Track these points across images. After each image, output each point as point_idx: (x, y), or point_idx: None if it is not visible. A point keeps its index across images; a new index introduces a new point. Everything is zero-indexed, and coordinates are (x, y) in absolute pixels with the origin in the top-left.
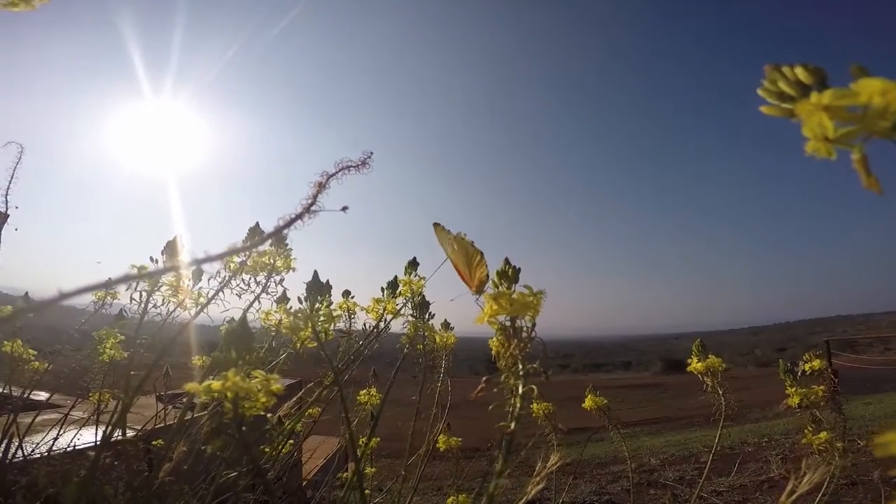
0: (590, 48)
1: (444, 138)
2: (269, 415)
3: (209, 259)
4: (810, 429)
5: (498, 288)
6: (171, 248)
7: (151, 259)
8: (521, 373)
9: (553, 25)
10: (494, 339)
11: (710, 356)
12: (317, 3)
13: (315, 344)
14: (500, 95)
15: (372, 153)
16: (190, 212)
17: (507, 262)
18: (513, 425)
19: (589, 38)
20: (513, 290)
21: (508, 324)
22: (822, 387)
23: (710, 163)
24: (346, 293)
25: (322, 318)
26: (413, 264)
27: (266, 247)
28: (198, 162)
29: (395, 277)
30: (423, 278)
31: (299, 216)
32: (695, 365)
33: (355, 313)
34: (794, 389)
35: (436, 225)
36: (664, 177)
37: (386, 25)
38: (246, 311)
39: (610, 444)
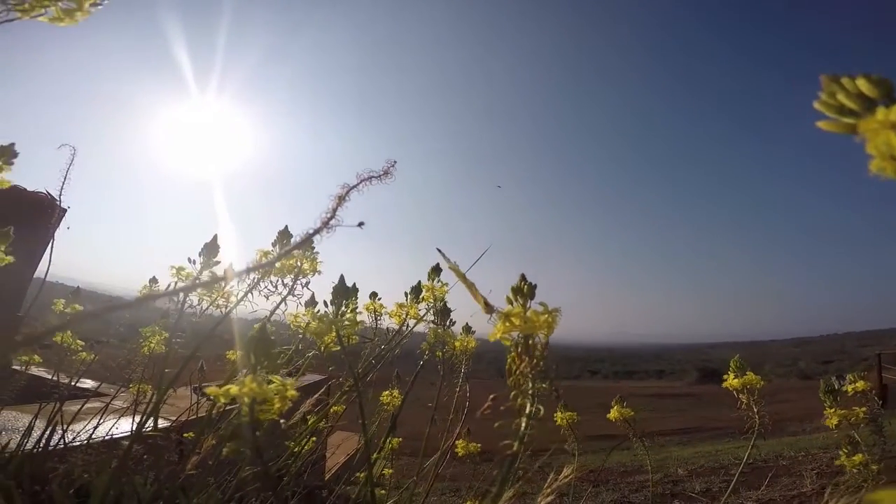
0: (624, 48)
1: (475, 137)
2: (282, 421)
3: (244, 272)
4: (845, 450)
5: (512, 304)
6: (209, 249)
7: (190, 260)
8: (529, 392)
9: (582, 25)
10: (508, 355)
11: (748, 373)
12: (355, 5)
13: (339, 348)
14: (530, 98)
15: (395, 162)
16: (234, 208)
17: (522, 278)
18: (516, 446)
19: (620, 40)
20: (528, 306)
21: (521, 341)
22: (863, 408)
23: (754, 167)
24: (374, 295)
25: (346, 324)
26: (436, 270)
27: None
28: (242, 159)
29: (419, 283)
30: (446, 284)
31: (317, 231)
32: (731, 381)
33: (382, 315)
34: (832, 410)
35: (438, 251)
36: (707, 182)
37: (426, 27)
38: (270, 315)
39: (636, 453)
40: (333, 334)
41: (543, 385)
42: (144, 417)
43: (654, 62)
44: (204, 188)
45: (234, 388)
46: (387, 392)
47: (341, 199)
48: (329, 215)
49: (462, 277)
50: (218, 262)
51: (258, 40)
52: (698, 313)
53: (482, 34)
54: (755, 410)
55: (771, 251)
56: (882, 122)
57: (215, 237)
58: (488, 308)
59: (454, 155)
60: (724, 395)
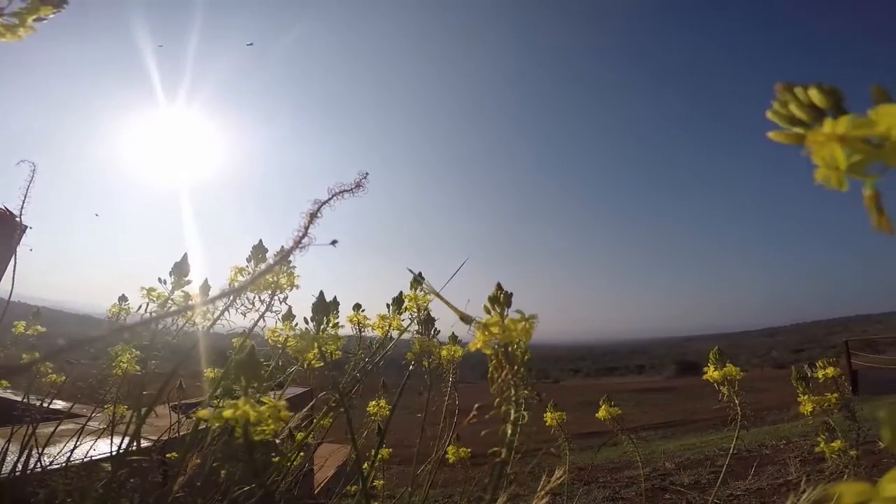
0: (605, 49)
1: (458, 141)
2: (276, 440)
3: (216, 297)
4: (823, 437)
5: (490, 314)
6: (179, 269)
7: (160, 280)
8: (513, 399)
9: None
10: (489, 365)
11: (727, 364)
12: (328, 11)
13: (322, 364)
14: (514, 98)
15: (367, 173)
16: (209, 219)
17: (499, 287)
18: (504, 453)
19: (600, 42)
20: (505, 314)
21: (501, 349)
22: (835, 394)
23: (723, 160)
24: (357, 306)
25: (328, 341)
26: (419, 279)
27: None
28: (211, 169)
29: (401, 293)
30: (429, 293)
31: (289, 251)
32: (711, 374)
33: (366, 326)
34: (806, 397)
35: (410, 270)
36: (677, 176)
37: (405, 33)
38: (250, 331)
39: (624, 449)
40: (315, 351)
41: (526, 391)
42: (124, 439)
43: (631, 60)
44: (176, 199)
45: (227, 412)
46: (374, 402)
47: (312, 217)
48: (301, 234)
49: (437, 295)
50: (189, 282)
51: (231, 49)
52: (674, 307)
53: (463, 39)
54: (736, 401)
55: (739, 242)
56: (829, 134)
57: (185, 256)
58: (465, 319)
59: (438, 160)
60: (704, 387)
